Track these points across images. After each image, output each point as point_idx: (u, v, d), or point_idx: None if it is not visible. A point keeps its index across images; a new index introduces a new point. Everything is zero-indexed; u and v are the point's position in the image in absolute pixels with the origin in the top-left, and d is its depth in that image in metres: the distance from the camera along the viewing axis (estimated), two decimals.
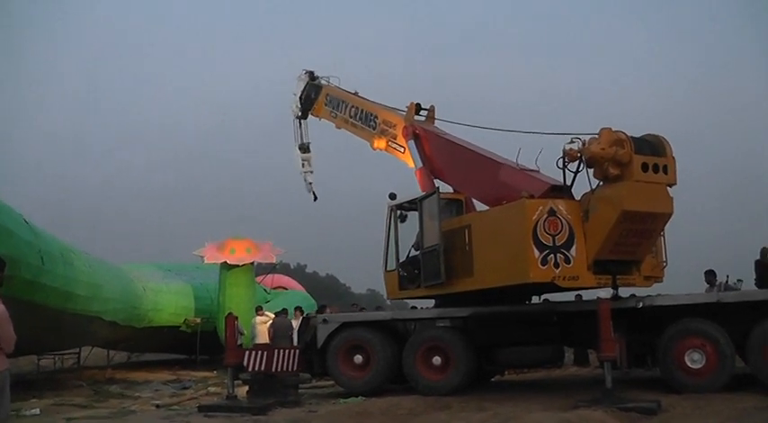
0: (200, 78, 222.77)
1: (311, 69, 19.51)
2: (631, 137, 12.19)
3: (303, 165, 19.80)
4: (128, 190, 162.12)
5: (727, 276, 16.21)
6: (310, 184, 19.86)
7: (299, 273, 73.42)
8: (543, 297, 15.45)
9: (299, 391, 14.86)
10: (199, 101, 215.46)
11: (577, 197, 12.78)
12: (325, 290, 72.31)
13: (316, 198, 19.97)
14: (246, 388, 14.56)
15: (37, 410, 13.97)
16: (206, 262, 25.20)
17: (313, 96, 19.18)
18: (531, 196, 12.58)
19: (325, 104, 18.71)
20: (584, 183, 12.61)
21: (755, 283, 15.22)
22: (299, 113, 19.61)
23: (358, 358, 14.68)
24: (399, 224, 15.03)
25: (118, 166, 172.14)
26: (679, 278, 15.63)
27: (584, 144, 12.26)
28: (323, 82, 19.17)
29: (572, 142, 12.36)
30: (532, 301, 15.10)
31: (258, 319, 20.34)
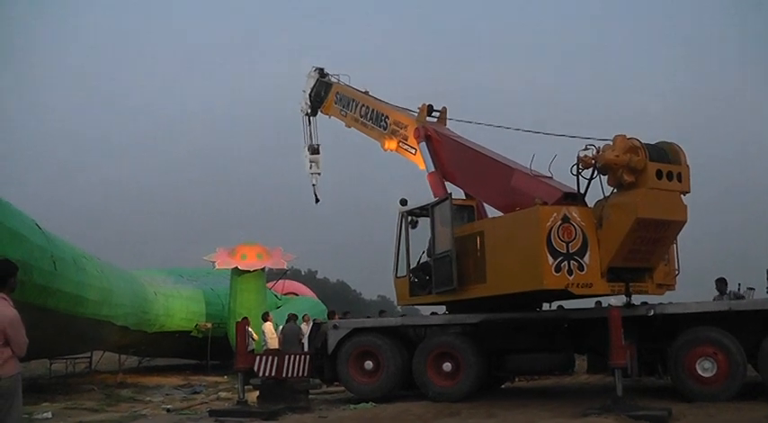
0: (214, 80, 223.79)
1: (321, 66, 19.50)
2: (645, 144, 12.16)
3: (311, 166, 19.85)
4: (137, 195, 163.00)
5: (739, 284, 16.08)
6: (314, 185, 19.97)
7: (309, 278, 73.47)
8: (557, 304, 15.37)
9: (310, 396, 14.83)
10: (211, 103, 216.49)
11: (590, 204, 12.74)
12: (335, 296, 72.33)
13: (318, 200, 20.13)
14: (257, 393, 14.54)
15: (49, 414, 14.00)
16: (217, 267, 25.22)
17: (323, 94, 19.13)
18: (545, 203, 12.54)
19: (335, 102, 18.63)
20: (597, 190, 12.61)
21: (767, 292, 15.12)
22: (308, 111, 19.57)
23: (368, 364, 14.67)
24: (410, 230, 15.01)
25: (127, 171, 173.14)
26: (691, 286, 15.56)
27: (598, 151, 12.24)
28: (333, 79, 19.11)
29: (586, 149, 12.36)
30: (543, 308, 15.03)
31: (267, 325, 20.35)
